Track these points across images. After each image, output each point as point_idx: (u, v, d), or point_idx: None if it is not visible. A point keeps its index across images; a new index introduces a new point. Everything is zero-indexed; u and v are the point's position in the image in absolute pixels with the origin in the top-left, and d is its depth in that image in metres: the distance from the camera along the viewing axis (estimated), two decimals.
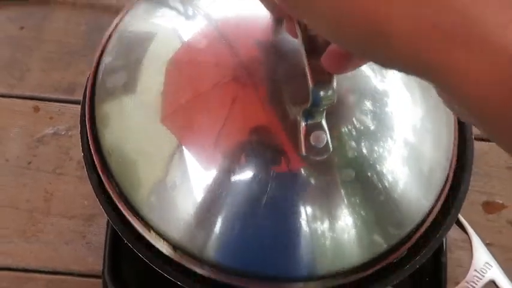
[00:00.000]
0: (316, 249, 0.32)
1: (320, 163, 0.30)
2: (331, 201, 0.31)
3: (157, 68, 0.33)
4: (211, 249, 0.32)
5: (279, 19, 0.32)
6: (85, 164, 0.35)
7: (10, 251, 0.53)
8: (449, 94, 0.21)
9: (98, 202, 0.35)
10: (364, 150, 0.31)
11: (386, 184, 0.32)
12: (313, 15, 0.22)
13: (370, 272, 0.33)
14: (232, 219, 0.31)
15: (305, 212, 0.31)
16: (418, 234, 0.34)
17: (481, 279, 0.39)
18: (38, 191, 0.55)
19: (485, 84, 0.19)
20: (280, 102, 0.31)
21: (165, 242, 0.33)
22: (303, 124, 0.29)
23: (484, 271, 0.39)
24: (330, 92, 0.27)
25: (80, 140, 0.36)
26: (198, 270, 0.33)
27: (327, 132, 0.29)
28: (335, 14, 0.21)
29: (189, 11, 0.34)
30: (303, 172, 0.31)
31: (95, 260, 0.52)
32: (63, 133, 0.58)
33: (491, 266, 0.39)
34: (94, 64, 0.37)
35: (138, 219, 0.33)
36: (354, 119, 0.31)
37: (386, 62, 0.22)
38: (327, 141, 0.29)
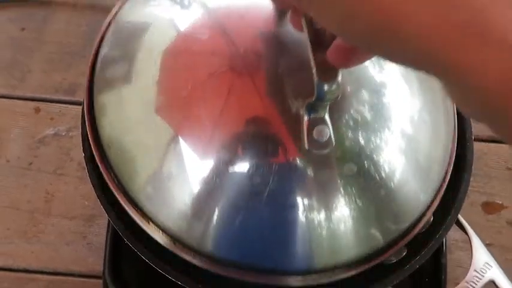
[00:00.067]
0: (314, 242, 0.31)
1: (318, 155, 0.30)
2: (328, 194, 0.31)
3: (153, 58, 0.33)
4: (209, 241, 0.32)
5: (282, 10, 0.31)
6: (84, 157, 0.35)
7: (11, 252, 0.53)
8: (464, 93, 0.20)
9: (97, 199, 0.35)
10: (362, 141, 0.31)
11: (384, 175, 0.32)
12: (322, 9, 0.22)
13: (368, 266, 0.33)
14: (228, 211, 0.31)
15: (302, 204, 0.30)
16: (416, 230, 0.34)
17: (480, 279, 0.39)
18: (39, 191, 0.56)
19: (505, 83, 0.19)
20: (280, 94, 0.31)
21: (163, 234, 0.33)
22: (306, 118, 0.29)
23: (484, 271, 0.39)
24: (334, 87, 0.27)
25: (80, 139, 0.36)
26: (196, 262, 0.32)
27: (330, 126, 0.29)
28: (345, 9, 0.21)
29: (186, 0, 0.34)
30: (300, 164, 0.30)
31: (95, 261, 0.52)
32: (63, 134, 0.58)
33: (491, 266, 0.39)
34: (93, 52, 0.36)
35: (136, 210, 0.33)
36: (352, 110, 0.31)
37: (396, 58, 0.22)
38: (330, 136, 0.29)
